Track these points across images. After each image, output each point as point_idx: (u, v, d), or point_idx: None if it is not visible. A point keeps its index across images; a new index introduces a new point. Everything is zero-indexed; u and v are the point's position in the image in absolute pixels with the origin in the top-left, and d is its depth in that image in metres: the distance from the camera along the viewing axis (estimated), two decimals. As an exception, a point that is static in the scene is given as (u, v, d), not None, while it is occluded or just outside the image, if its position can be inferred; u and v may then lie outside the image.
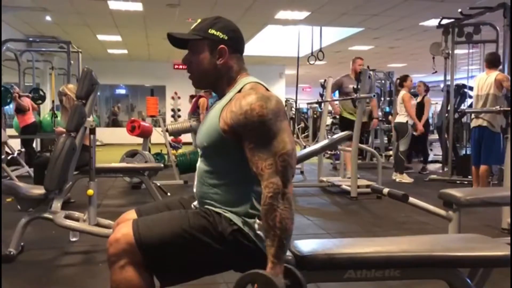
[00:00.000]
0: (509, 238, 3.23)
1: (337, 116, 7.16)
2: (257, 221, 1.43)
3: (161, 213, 1.53)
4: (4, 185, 3.11)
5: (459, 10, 6.49)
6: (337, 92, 6.62)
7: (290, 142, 1.34)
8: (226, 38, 1.47)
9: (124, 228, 1.39)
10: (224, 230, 1.40)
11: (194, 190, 1.57)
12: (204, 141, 1.46)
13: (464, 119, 7.55)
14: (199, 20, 1.53)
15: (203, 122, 1.54)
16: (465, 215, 2.76)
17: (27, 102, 6.85)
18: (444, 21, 6.83)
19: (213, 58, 1.48)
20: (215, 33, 1.47)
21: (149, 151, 6.55)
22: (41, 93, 7.58)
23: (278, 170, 1.29)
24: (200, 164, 1.53)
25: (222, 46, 1.47)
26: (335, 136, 5.75)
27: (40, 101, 7.54)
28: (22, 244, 3.04)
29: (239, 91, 1.44)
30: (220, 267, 1.48)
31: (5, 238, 3.10)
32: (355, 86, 5.70)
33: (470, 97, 8.15)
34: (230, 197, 1.45)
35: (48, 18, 8.70)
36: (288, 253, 1.52)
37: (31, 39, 9.59)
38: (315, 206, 4.93)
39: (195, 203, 1.57)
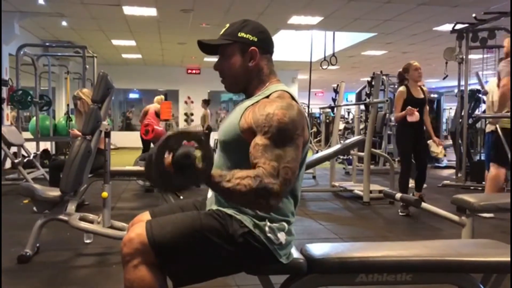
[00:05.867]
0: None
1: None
2: (268, 223, 1.44)
3: (174, 214, 1.55)
4: (21, 187, 3.16)
5: (474, 15, 6.44)
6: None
7: (297, 161, 1.36)
8: (256, 40, 1.51)
9: (138, 228, 1.41)
10: (234, 232, 1.42)
11: (208, 196, 1.59)
12: (223, 136, 1.50)
13: (478, 125, 7.47)
14: (227, 25, 1.56)
15: (226, 118, 1.58)
16: (479, 221, 2.74)
17: None
18: (458, 26, 6.78)
19: (245, 61, 1.51)
20: (244, 36, 1.50)
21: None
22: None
23: (280, 175, 1.30)
24: (217, 160, 1.54)
25: (252, 48, 1.50)
26: (348, 141, 5.75)
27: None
28: (37, 245, 3.09)
29: (267, 97, 1.47)
30: (231, 268, 1.49)
31: (21, 239, 3.17)
32: None
33: (484, 102, 8.08)
34: None
35: (64, 23, 8.83)
36: (300, 256, 1.53)
37: (47, 43, 9.74)
38: (327, 211, 4.92)
39: (209, 195, 1.58)
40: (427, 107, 4.88)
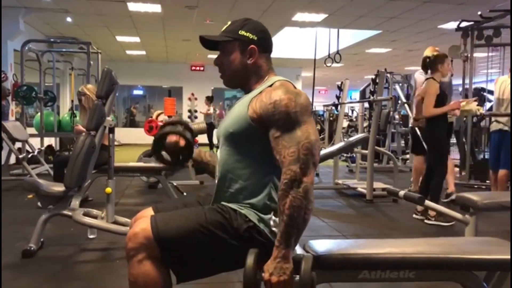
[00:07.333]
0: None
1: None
2: (273, 217, 1.45)
3: (178, 209, 1.56)
4: (26, 182, 3.18)
5: (479, 12, 6.42)
6: None
7: (314, 134, 1.37)
8: (255, 38, 1.53)
9: (142, 223, 1.42)
10: (239, 227, 1.43)
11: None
12: (230, 128, 1.50)
13: (482, 123, 7.44)
14: (229, 23, 1.59)
15: (228, 114, 1.60)
16: (482, 219, 2.74)
17: None
18: (463, 24, 6.75)
19: (244, 58, 1.54)
20: (245, 34, 1.53)
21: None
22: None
23: (300, 158, 1.32)
24: (221, 154, 1.56)
25: (252, 46, 1.53)
26: (351, 138, 5.74)
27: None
28: (42, 240, 3.11)
29: (270, 86, 1.49)
30: (235, 263, 1.49)
31: (26, 234, 3.19)
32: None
33: (489, 100, 8.04)
34: (249, 186, 1.48)
35: (68, 19, 8.86)
36: (303, 252, 1.53)
37: (52, 39, 9.76)
38: (330, 209, 4.92)
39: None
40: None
